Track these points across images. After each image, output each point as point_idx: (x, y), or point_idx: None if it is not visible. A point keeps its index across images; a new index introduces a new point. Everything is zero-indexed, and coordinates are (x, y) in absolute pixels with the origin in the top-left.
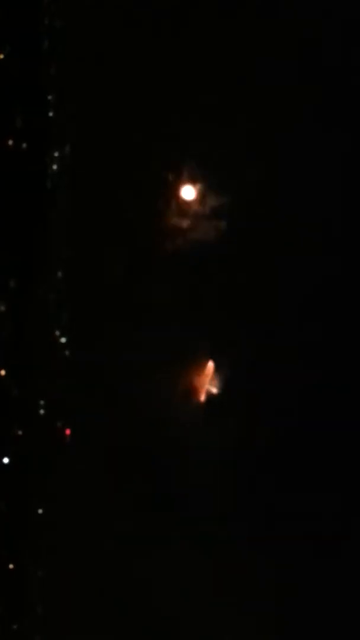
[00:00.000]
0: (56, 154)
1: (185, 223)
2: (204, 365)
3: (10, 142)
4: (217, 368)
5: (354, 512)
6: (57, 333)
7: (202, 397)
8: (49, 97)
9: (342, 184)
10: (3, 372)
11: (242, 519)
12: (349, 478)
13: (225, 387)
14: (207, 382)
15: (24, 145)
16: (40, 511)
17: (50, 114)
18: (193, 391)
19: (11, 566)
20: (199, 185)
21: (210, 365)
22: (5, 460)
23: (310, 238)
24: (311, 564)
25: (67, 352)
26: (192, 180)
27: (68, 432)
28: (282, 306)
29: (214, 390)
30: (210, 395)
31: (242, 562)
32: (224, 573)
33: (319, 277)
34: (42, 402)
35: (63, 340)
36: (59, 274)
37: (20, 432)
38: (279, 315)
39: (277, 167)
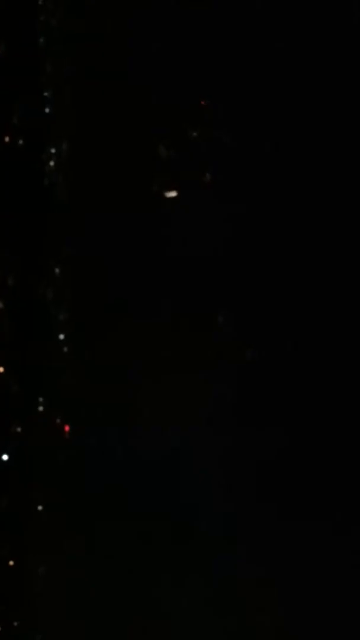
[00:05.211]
0: (53, 151)
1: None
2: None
3: (7, 139)
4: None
5: (354, 515)
6: (56, 330)
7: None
8: (46, 94)
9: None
10: (2, 369)
11: (243, 522)
12: (349, 482)
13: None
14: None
15: (21, 141)
16: (40, 508)
17: (47, 111)
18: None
19: (11, 563)
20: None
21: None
22: (5, 457)
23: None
24: (314, 575)
25: (66, 349)
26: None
27: (67, 428)
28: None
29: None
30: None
31: (242, 563)
32: (224, 569)
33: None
34: (41, 399)
35: (62, 336)
36: (57, 270)
37: (19, 429)
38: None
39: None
